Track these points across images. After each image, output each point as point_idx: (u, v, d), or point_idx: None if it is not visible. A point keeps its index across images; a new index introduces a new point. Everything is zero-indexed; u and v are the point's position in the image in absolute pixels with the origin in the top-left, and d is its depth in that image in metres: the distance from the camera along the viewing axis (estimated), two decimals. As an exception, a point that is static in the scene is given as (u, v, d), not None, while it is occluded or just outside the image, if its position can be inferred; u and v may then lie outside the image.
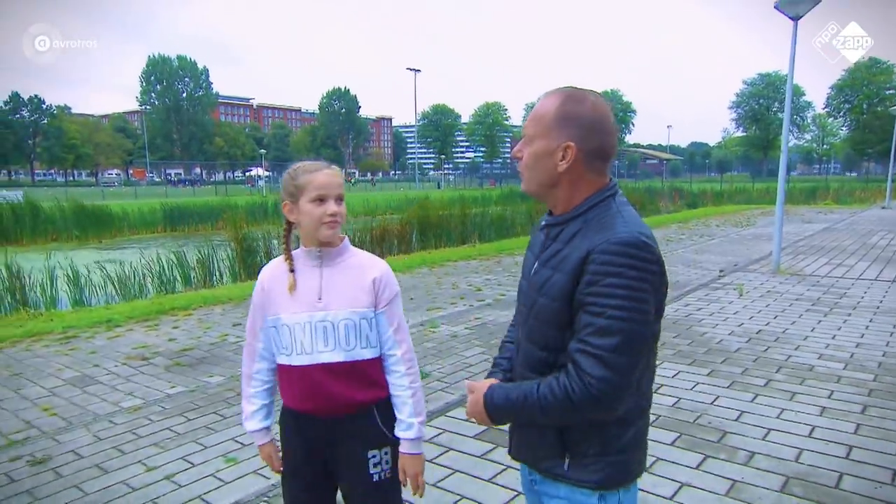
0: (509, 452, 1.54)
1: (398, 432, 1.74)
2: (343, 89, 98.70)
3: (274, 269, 1.77)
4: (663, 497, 2.84)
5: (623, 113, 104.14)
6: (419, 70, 43.18)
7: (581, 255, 1.26)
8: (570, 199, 1.36)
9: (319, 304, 1.69)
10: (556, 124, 1.32)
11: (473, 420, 1.44)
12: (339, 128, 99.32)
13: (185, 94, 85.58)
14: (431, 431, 3.62)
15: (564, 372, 1.26)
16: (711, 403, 4.00)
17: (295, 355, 1.70)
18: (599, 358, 1.21)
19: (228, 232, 10.73)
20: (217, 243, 11.19)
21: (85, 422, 3.94)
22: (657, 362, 1.29)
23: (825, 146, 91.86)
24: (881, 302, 7.04)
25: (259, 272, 1.81)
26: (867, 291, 7.70)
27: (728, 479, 3.00)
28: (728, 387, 4.31)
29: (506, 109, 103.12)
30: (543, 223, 1.45)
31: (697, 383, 4.40)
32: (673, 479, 2.99)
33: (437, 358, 5.17)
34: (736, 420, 3.72)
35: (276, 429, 1.84)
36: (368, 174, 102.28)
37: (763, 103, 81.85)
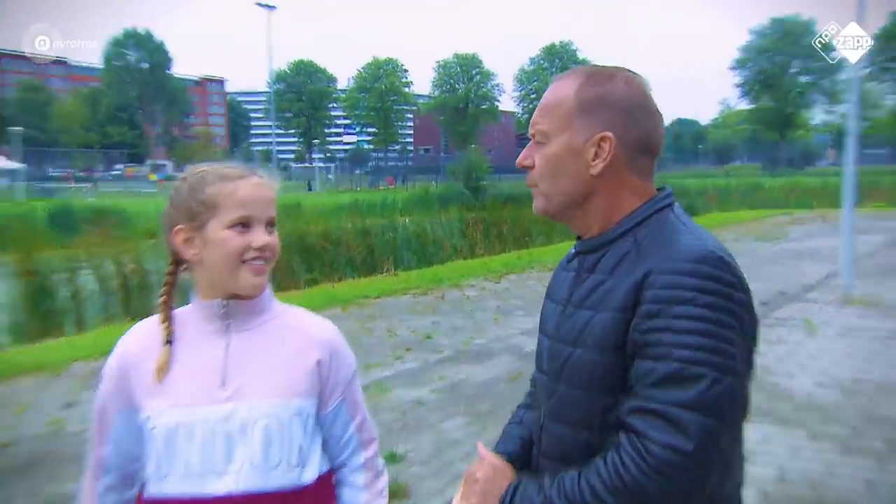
0: None
1: None
2: (142, 33, 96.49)
3: (143, 338, 1.68)
4: None
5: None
6: (274, 7, 43.06)
7: (635, 281, 1.33)
8: (611, 213, 1.46)
9: (223, 392, 1.60)
10: (581, 112, 1.44)
11: None
12: (139, 93, 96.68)
13: None
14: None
15: (614, 447, 1.31)
16: (830, 474, 4.59)
17: (175, 479, 1.59)
18: (664, 416, 1.23)
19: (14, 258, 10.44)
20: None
21: None
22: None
23: (865, 123, 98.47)
24: None
25: (118, 342, 1.71)
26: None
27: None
28: (842, 453, 4.93)
29: (406, 70, 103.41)
30: (574, 252, 1.56)
31: (799, 448, 5.01)
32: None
33: (408, 433, 5.46)
34: (867, 492, 4.33)
35: None
36: (188, 167, 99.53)
37: (778, 62, 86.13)
